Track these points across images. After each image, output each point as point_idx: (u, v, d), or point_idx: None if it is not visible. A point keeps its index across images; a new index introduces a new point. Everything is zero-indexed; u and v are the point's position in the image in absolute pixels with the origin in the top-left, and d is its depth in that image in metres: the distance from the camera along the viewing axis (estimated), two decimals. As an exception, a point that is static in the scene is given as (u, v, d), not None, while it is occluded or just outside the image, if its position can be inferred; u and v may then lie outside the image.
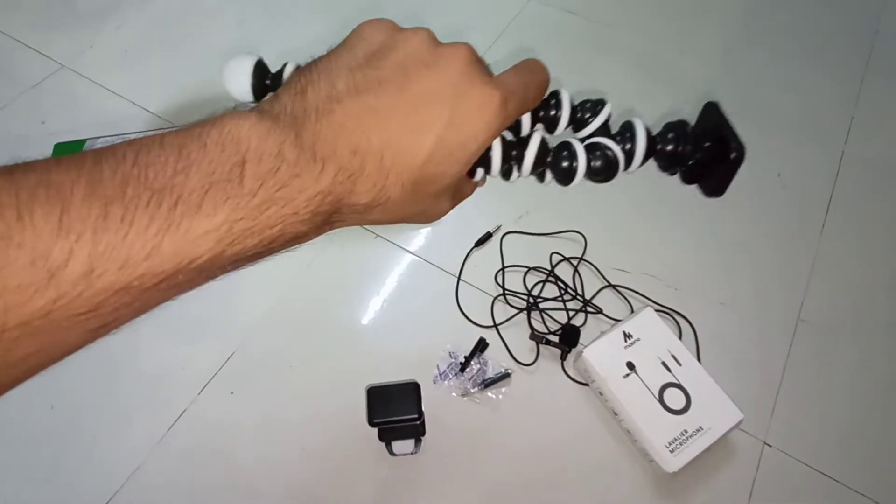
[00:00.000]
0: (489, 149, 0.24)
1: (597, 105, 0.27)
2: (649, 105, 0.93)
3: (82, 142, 0.74)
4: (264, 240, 0.19)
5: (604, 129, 0.26)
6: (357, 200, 0.20)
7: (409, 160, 0.20)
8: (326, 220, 0.20)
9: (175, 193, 0.17)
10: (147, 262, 0.17)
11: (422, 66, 0.21)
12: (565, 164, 0.25)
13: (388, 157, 0.20)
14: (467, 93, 0.21)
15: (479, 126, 0.21)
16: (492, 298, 0.73)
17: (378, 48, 0.22)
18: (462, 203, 0.27)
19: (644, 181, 0.86)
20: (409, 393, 0.55)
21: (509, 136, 0.26)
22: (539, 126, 0.27)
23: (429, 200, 0.23)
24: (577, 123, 0.27)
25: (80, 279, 0.16)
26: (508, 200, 0.81)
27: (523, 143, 0.25)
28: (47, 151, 0.74)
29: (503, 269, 0.75)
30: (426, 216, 0.24)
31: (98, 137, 0.75)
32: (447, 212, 0.25)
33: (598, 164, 0.25)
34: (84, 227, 0.16)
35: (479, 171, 0.26)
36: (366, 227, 0.78)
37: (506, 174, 0.26)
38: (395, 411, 0.54)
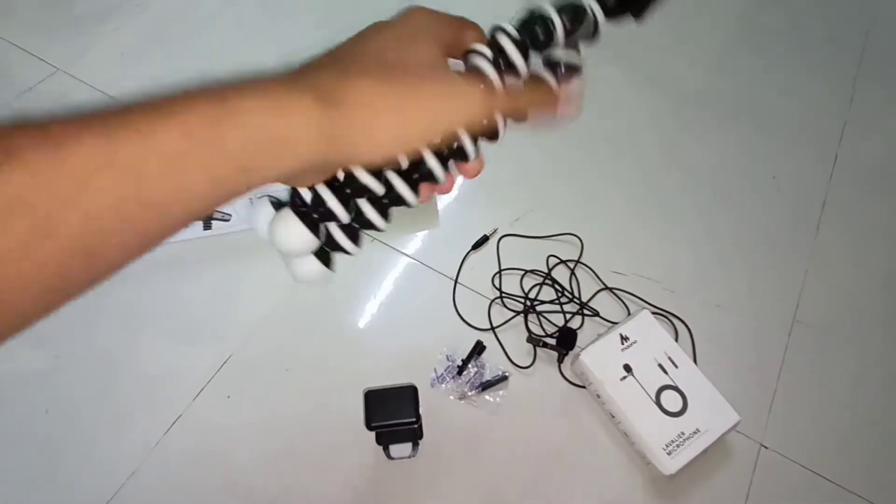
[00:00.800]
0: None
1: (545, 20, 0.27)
2: (642, 100, 0.93)
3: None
4: (268, 178, 0.22)
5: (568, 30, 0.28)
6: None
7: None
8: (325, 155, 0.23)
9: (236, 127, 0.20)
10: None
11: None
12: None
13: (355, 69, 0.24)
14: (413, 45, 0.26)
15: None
16: (489, 301, 0.73)
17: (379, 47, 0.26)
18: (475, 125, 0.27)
19: (639, 183, 0.86)
20: (406, 396, 0.55)
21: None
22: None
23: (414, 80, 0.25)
24: (535, 44, 0.28)
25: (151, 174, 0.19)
26: (505, 203, 0.82)
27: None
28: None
29: (500, 272, 0.75)
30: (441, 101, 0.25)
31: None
32: (453, 83, 0.25)
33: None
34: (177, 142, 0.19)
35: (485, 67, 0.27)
36: (370, 233, 0.79)
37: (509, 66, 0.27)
38: (393, 415, 0.54)
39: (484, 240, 0.78)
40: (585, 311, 0.72)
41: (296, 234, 0.27)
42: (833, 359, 0.71)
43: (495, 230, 0.79)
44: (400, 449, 0.62)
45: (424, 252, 0.78)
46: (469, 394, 0.66)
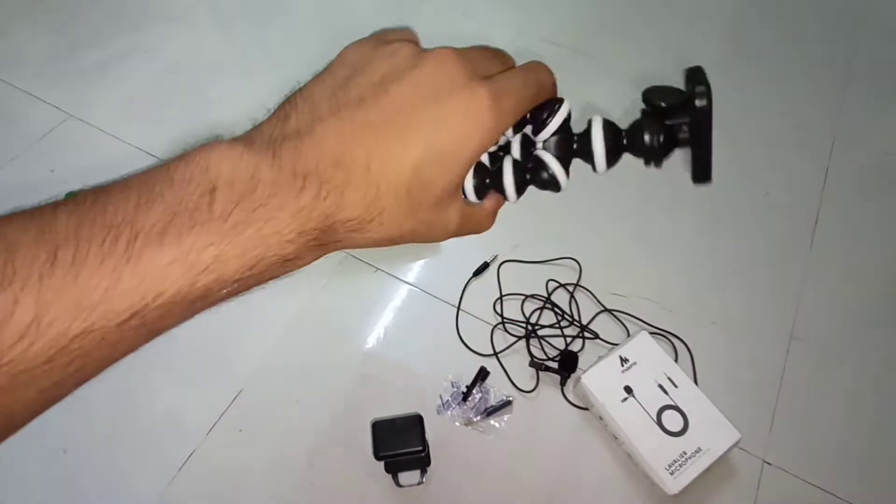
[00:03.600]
0: (501, 169, 0.24)
1: (553, 104, 0.25)
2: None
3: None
4: (246, 263, 0.18)
5: (564, 129, 0.26)
6: (348, 215, 0.19)
7: (398, 166, 0.20)
8: (318, 239, 0.19)
9: (135, 228, 0.16)
10: (104, 302, 0.16)
11: (401, 75, 0.20)
12: (545, 175, 0.25)
13: (375, 166, 0.19)
14: (452, 94, 0.20)
15: (468, 127, 0.20)
16: (491, 327, 0.75)
17: (359, 67, 0.22)
18: (473, 232, 0.26)
19: (634, 205, 0.88)
20: (412, 425, 0.56)
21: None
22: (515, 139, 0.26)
23: (428, 211, 0.21)
24: (535, 125, 0.25)
25: (28, 329, 0.15)
26: (504, 230, 0.83)
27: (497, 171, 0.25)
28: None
29: (501, 297, 0.77)
30: (431, 231, 0.22)
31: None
32: (454, 228, 0.23)
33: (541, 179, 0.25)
34: (30, 273, 0.15)
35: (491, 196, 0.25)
36: (368, 258, 0.81)
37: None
38: (400, 444, 0.56)
39: (484, 266, 0.80)
40: (586, 334, 0.74)
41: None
42: (832, 373, 0.72)
43: (495, 256, 0.81)
44: (409, 476, 0.63)
45: (426, 280, 0.80)
46: (475, 419, 0.68)
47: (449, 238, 0.23)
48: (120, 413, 0.70)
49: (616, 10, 1.15)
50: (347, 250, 0.81)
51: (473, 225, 0.25)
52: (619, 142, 0.25)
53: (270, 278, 0.19)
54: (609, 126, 0.25)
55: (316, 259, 0.20)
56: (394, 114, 0.20)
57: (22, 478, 0.66)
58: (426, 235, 0.22)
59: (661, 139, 0.25)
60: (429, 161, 0.20)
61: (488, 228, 0.26)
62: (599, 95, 1.01)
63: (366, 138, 0.20)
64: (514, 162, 0.25)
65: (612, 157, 0.26)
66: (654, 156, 0.25)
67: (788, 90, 1.01)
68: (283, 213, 0.18)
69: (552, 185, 0.25)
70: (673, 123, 0.25)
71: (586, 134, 0.26)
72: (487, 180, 0.24)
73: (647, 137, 0.25)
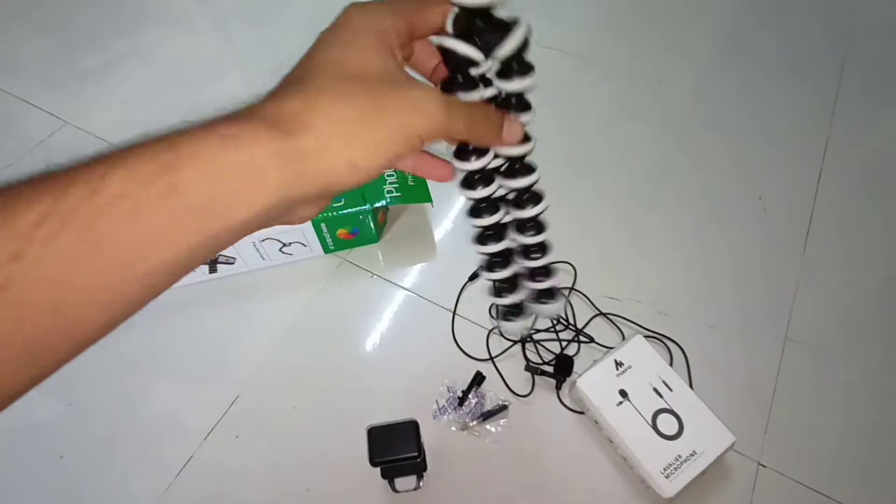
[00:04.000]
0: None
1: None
2: (627, 130, 0.96)
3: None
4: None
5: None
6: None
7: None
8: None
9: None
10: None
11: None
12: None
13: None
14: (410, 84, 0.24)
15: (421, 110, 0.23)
16: (487, 331, 0.75)
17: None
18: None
19: (628, 208, 0.89)
20: (408, 431, 0.56)
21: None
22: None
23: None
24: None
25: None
26: (499, 234, 0.84)
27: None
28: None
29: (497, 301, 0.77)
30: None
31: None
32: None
33: None
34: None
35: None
36: (365, 264, 0.81)
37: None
38: (396, 450, 0.56)
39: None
40: (581, 338, 0.74)
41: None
42: (827, 375, 0.72)
43: (491, 261, 0.81)
44: (405, 482, 0.63)
45: (422, 285, 0.80)
46: (471, 424, 0.68)
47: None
48: (117, 419, 0.70)
49: (615, 15, 1.15)
50: (344, 257, 0.81)
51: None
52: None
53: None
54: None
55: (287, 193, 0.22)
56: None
57: (19, 484, 0.66)
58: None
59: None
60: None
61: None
62: (599, 99, 1.01)
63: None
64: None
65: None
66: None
67: (782, 92, 1.02)
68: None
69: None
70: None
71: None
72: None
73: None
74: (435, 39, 0.26)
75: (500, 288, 0.36)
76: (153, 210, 0.19)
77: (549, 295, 0.36)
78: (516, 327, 0.36)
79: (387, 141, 0.23)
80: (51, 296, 0.17)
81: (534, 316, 0.36)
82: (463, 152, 0.29)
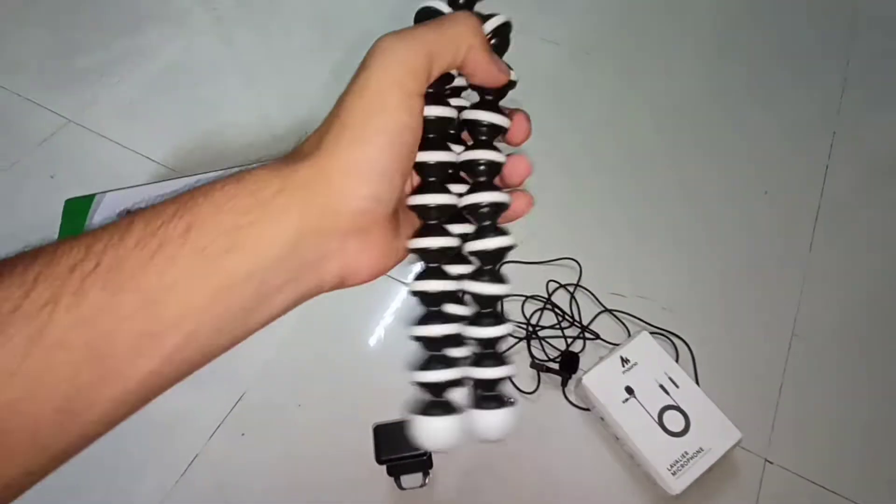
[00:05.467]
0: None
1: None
2: (631, 125, 0.96)
3: (91, 197, 0.77)
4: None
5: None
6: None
7: None
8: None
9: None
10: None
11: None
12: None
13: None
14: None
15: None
16: (492, 328, 0.75)
17: None
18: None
19: (634, 204, 0.88)
20: (414, 429, 0.56)
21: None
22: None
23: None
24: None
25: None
26: (504, 231, 0.84)
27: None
28: (57, 207, 0.77)
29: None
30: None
31: (106, 192, 0.78)
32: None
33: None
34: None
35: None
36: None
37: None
38: (402, 448, 0.56)
39: (484, 268, 0.80)
40: (586, 335, 0.74)
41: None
42: (833, 371, 0.72)
43: (495, 258, 0.81)
44: (411, 479, 0.63)
45: (427, 282, 0.80)
46: (476, 421, 0.68)
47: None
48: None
49: (615, 8, 1.15)
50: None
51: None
52: None
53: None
54: None
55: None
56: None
57: (26, 484, 0.66)
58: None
59: None
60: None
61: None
62: (597, 93, 1.01)
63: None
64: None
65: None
66: None
67: (788, 87, 1.01)
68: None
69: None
70: None
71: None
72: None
73: None
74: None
75: (432, 353, 0.27)
76: (172, 247, 0.19)
77: (495, 397, 0.26)
78: (438, 432, 0.25)
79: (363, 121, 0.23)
80: (86, 339, 0.18)
81: (460, 421, 0.26)
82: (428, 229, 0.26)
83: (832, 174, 0.90)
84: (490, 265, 0.27)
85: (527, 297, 0.77)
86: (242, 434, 0.69)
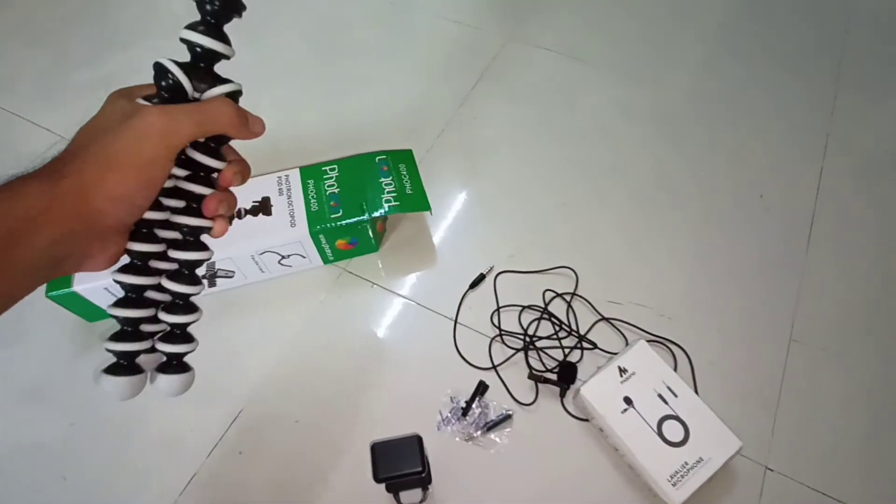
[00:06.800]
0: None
1: (161, 72, 0.34)
2: (626, 132, 0.96)
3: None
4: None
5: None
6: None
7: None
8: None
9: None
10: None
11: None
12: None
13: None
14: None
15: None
16: (489, 339, 0.75)
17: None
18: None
19: (629, 212, 0.88)
20: (411, 446, 0.56)
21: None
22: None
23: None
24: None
25: None
26: (499, 240, 0.84)
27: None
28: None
29: (498, 309, 0.77)
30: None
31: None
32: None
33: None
34: None
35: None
36: (365, 274, 0.81)
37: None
38: (400, 466, 0.55)
39: (481, 278, 0.80)
40: (584, 344, 0.74)
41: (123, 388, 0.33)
42: (832, 376, 0.72)
43: (491, 267, 0.81)
44: (410, 495, 0.63)
45: (423, 294, 0.80)
46: (475, 435, 0.67)
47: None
48: (120, 437, 0.70)
49: (606, 13, 1.15)
50: (343, 267, 0.81)
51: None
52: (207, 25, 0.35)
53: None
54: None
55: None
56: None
57: (23, 507, 0.66)
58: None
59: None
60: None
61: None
62: (590, 99, 1.01)
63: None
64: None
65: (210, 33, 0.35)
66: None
67: (781, 90, 1.01)
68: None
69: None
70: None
71: (191, 46, 0.35)
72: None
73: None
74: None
75: (122, 330, 0.35)
76: None
77: (175, 365, 0.36)
78: (118, 387, 0.33)
79: (133, 175, 0.30)
80: None
81: (144, 382, 0.35)
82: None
83: (827, 175, 0.90)
84: (188, 270, 0.36)
85: (523, 307, 0.77)
86: (240, 452, 0.68)
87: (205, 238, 0.37)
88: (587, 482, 0.65)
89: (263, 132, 0.36)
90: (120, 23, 1.15)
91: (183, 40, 0.34)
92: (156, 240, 0.34)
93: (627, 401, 0.65)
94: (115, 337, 0.34)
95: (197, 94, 0.34)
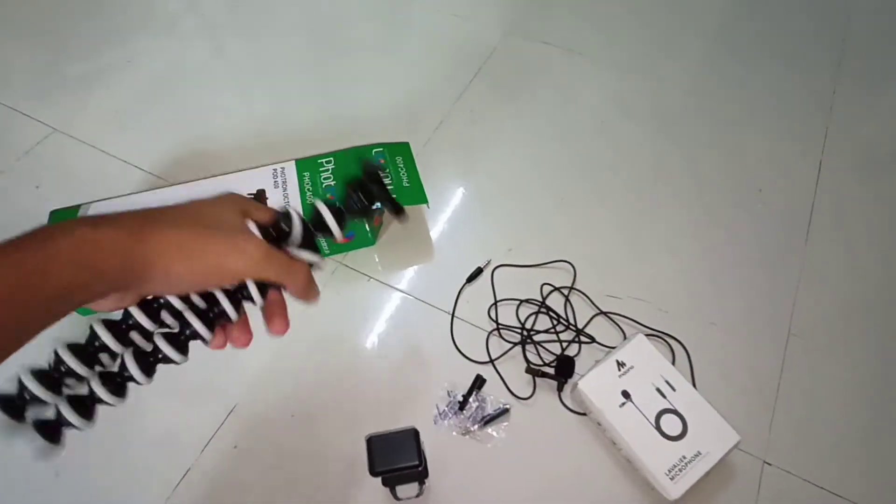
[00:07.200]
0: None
1: (287, 218, 0.36)
2: (624, 127, 0.95)
3: (76, 208, 0.76)
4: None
5: (306, 229, 0.37)
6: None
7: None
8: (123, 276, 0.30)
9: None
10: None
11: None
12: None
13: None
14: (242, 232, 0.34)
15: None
16: (486, 333, 0.74)
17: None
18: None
19: (627, 206, 0.87)
20: (408, 440, 0.55)
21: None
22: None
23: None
24: (282, 237, 0.36)
25: None
26: (497, 234, 0.83)
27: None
28: (42, 219, 0.76)
29: (496, 303, 0.77)
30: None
31: (91, 203, 0.76)
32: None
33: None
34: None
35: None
36: (361, 267, 0.80)
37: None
38: (396, 459, 0.55)
39: (478, 272, 0.79)
40: (582, 338, 0.73)
41: None
42: (831, 370, 0.71)
43: (489, 261, 0.80)
44: (406, 489, 0.62)
45: (419, 287, 0.79)
46: (472, 429, 0.67)
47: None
48: (113, 432, 0.69)
49: (606, 8, 1.14)
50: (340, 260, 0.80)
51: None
52: (340, 212, 0.37)
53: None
54: (329, 204, 0.36)
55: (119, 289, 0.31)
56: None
57: (14, 502, 0.65)
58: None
59: (361, 202, 0.37)
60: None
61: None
62: (589, 93, 1.00)
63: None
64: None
65: (341, 222, 0.37)
66: (367, 212, 0.38)
67: (779, 85, 1.01)
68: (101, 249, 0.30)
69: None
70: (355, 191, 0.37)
71: (318, 216, 0.37)
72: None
73: (352, 203, 0.37)
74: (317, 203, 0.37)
75: (68, 370, 0.33)
76: (29, 292, 0.26)
77: (84, 411, 0.34)
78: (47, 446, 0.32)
79: (200, 270, 0.32)
80: None
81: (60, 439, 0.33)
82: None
83: (826, 170, 0.89)
84: (152, 360, 0.36)
85: (521, 301, 0.77)
86: (235, 446, 0.68)
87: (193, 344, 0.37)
88: (585, 476, 0.65)
89: (316, 304, 0.38)
90: (116, 17, 1.13)
91: (313, 206, 0.37)
92: (157, 320, 0.35)
93: (625, 395, 0.64)
94: (37, 376, 0.32)
95: (292, 248, 0.36)
